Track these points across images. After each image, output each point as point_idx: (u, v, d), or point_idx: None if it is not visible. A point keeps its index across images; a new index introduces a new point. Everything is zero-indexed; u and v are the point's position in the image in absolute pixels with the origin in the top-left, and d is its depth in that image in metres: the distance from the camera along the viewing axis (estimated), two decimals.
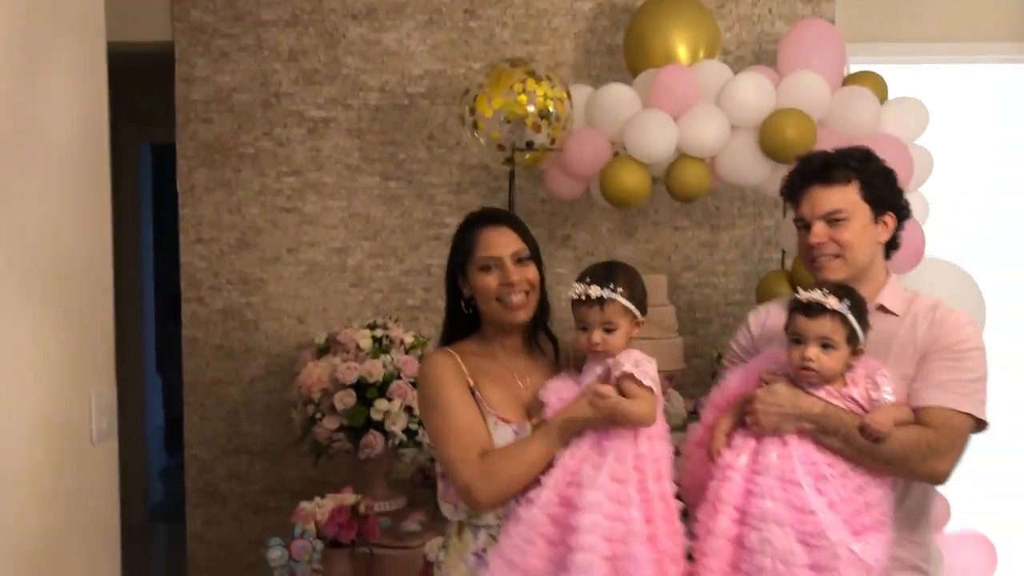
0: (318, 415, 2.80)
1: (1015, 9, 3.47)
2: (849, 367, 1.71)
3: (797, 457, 1.64)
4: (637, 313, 1.73)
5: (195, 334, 3.35)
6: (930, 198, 2.73)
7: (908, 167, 2.55)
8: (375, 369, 2.76)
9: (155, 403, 5.83)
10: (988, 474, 3.66)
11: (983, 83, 4.40)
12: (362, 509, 2.60)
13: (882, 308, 1.82)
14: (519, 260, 1.77)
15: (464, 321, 1.83)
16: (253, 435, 3.34)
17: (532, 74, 2.65)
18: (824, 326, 1.66)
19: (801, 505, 1.59)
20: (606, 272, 1.73)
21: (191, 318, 3.34)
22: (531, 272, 1.78)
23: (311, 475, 3.26)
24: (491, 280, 1.75)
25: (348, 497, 2.61)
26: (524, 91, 2.60)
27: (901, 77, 3.25)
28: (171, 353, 5.46)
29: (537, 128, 2.62)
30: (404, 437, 2.76)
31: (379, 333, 2.89)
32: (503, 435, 1.71)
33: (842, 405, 1.69)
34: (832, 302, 1.66)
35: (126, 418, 5.20)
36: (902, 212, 1.89)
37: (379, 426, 2.76)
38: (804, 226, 1.86)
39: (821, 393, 1.69)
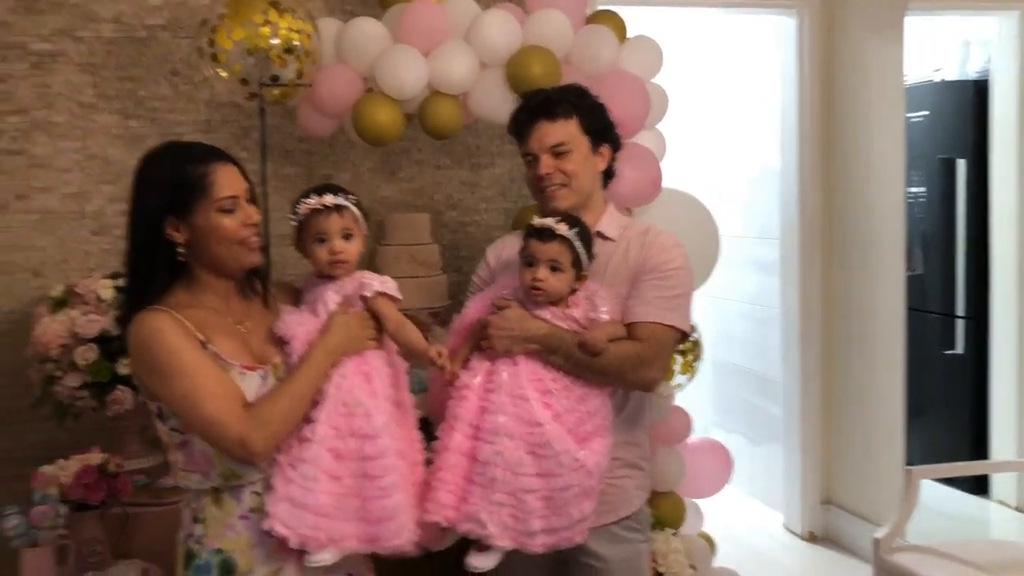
0: (58, 373, 2.61)
1: None
2: (573, 291, 1.87)
3: (525, 374, 1.78)
4: (364, 224, 1.80)
5: None
6: (666, 134, 2.89)
7: (645, 104, 2.69)
8: None
9: None
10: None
11: (717, 28, 4.73)
12: (111, 468, 2.47)
13: (600, 234, 1.98)
14: (250, 200, 1.70)
15: (168, 274, 1.66)
16: None
17: (275, 5, 2.53)
18: (553, 249, 1.81)
19: (529, 418, 1.73)
20: (332, 187, 1.79)
21: None
22: (258, 212, 1.72)
23: (57, 438, 3.02)
24: (232, 222, 1.65)
25: (94, 456, 2.46)
26: (267, 23, 2.49)
27: (641, 18, 3.42)
28: None
29: (283, 62, 2.53)
30: None
31: (122, 283, 2.71)
32: (250, 384, 1.64)
33: (564, 325, 1.84)
34: (562, 228, 1.81)
35: None
36: (615, 144, 2.06)
37: (127, 381, 2.61)
38: (532, 159, 1.99)
39: (547, 314, 1.83)
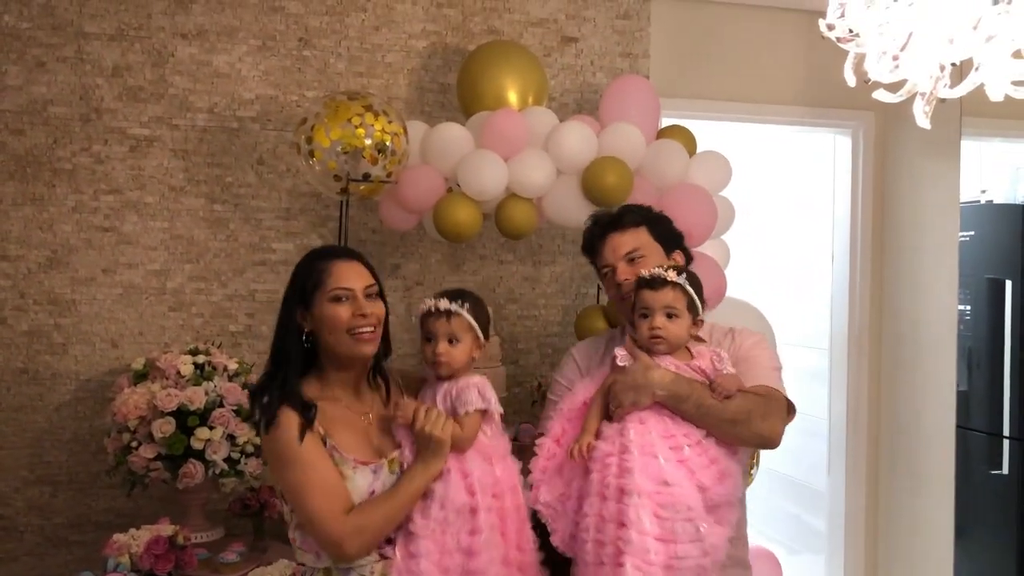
0: (134, 444, 2.69)
1: (803, 79, 3.89)
2: (693, 336, 1.91)
3: (655, 431, 1.78)
4: (479, 333, 1.87)
5: None
6: (731, 244, 3.00)
7: (713, 216, 2.80)
8: (196, 396, 2.69)
9: None
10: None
11: (777, 141, 4.88)
12: (180, 540, 2.53)
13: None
14: (369, 295, 1.82)
15: (298, 359, 1.80)
16: (58, 464, 3.15)
17: (370, 108, 2.70)
18: (667, 296, 1.87)
19: (657, 476, 1.72)
20: (457, 293, 1.88)
21: None
22: (380, 308, 1.83)
23: (120, 506, 3.12)
24: (343, 311, 1.77)
25: (165, 528, 2.53)
26: (362, 124, 2.65)
27: (708, 132, 3.57)
28: None
29: (374, 161, 2.68)
30: (225, 467, 2.71)
31: (201, 359, 2.83)
32: (363, 478, 1.74)
33: (689, 376, 1.85)
34: (672, 275, 1.89)
35: None
36: (687, 252, 2.14)
37: (199, 455, 2.69)
38: (610, 271, 2.05)
39: (670, 366, 1.85)
